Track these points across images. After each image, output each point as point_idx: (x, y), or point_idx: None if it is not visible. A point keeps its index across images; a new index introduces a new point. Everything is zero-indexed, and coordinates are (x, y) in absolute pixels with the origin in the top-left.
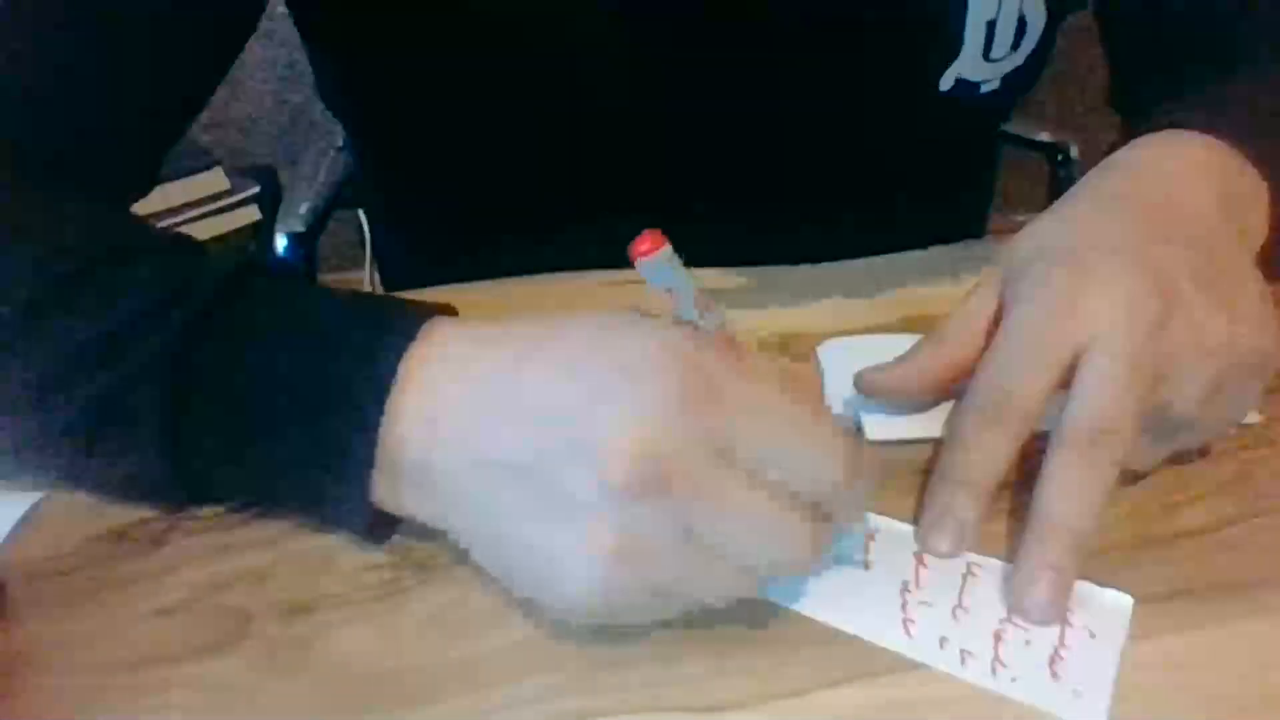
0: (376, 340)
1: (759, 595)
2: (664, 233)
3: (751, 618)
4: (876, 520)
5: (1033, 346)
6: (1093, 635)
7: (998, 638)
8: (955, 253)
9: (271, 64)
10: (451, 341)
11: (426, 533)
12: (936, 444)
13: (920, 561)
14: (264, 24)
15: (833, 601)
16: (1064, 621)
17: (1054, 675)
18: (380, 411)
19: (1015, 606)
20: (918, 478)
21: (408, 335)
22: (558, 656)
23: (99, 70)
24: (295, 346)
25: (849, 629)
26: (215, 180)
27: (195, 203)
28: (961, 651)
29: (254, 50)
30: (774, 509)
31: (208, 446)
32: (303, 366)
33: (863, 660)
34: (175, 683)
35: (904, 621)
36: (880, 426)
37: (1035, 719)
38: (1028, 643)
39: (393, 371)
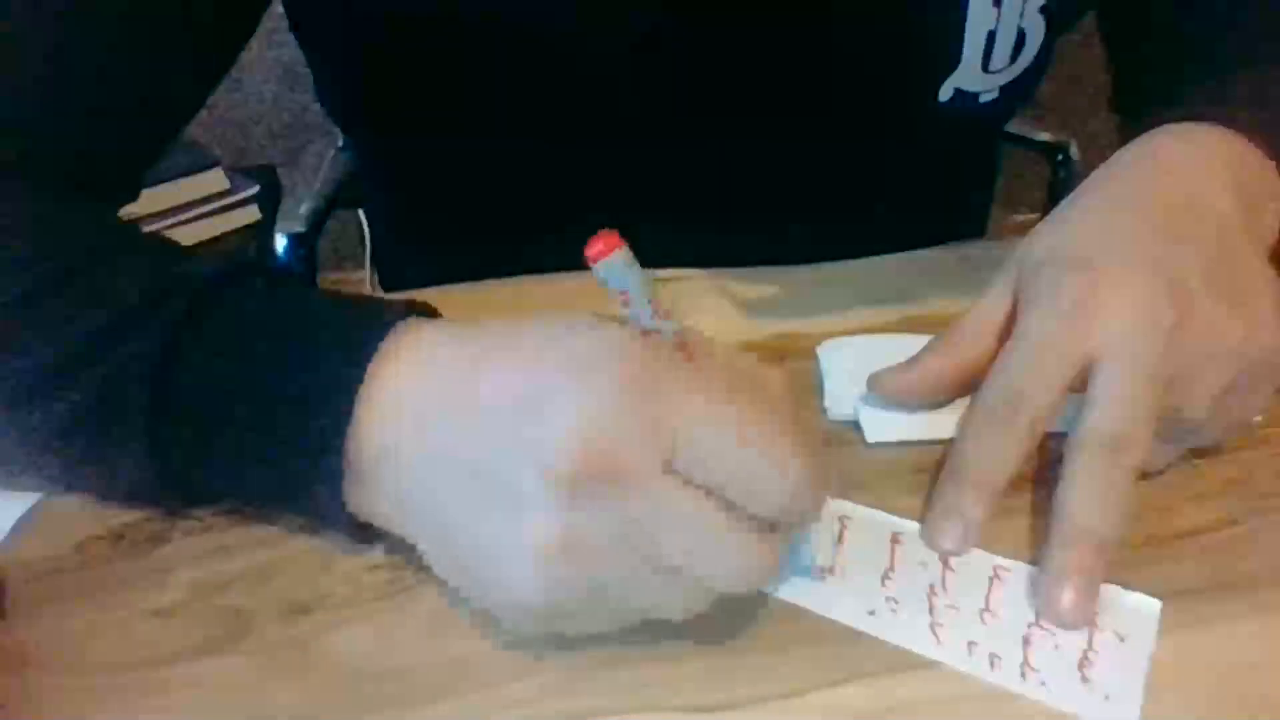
0: (347, 344)
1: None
2: (623, 233)
3: (750, 618)
4: (899, 523)
5: (1046, 350)
6: (1121, 639)
7: (1026, 642)
8: (955, 253)
9: (271, 64)
10: (420, 342)
11: None
12: (937, 444)
13: (946, 565)
14: (264, 24)
15: (860, 605)
16: (1092, 625)
17: (1084, 679)
18: (349, 414)
19: (1044, 611)
20: (918, 477)
21: (378, 337)
22: (556, 656)
23: (92, 71)
24: (270, 351)
25: (875, 632)
26: (215, 180)
27: (195, 203)
28: (990, 656)
29: (254, 50)
30: (721, 522)
31: (189, 450)
32: (277, 370)
33: (862, 660)
34: (175, 683)
35: (931, 625)
36: (880, 427)
37: (1036, 719)
38: (1056, 647)
39: (361, 374)
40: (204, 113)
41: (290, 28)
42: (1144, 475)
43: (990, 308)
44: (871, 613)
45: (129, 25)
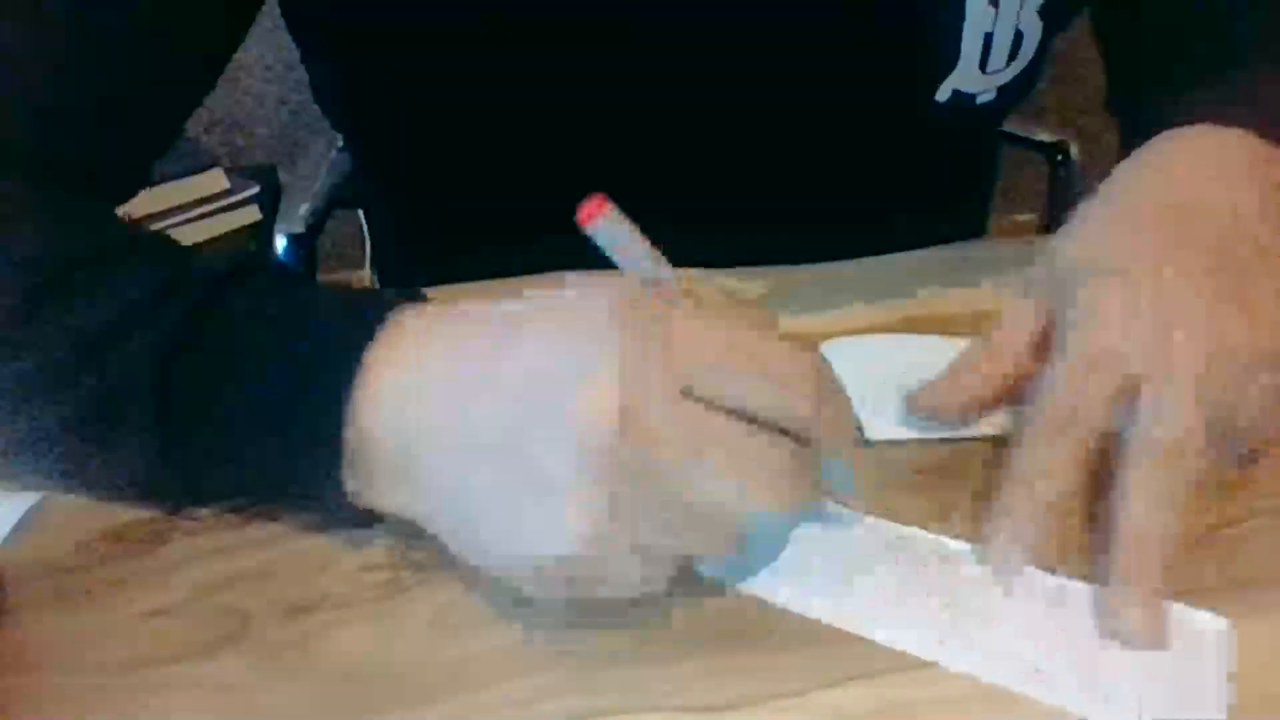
0: (343, 335)
1: (745, 558)
2: (623, 209)
3: (750, 618)
4: (955, 545)
5: (1094, 365)
6: (1191, 659)
7: (1094, 663)
8: (956, 253)
9: (271, 64)
10: (416, 327)
11: (426, 532)
12: (938, 443)
13: (1004, 588)
14: (264, 24)
15: (931, 636)
16: (1163, 645)
17: (1159, 701)
18: (344, 404)
19: (1113, 628)
20: (918, 477)
21: (374, 327)
22: (556, 656)
23: (92, 70)
24: (272, 346)
25: (946, 663)
26: (215, 180)
27: (195, 203)
28: (1059, 679)
29: (254, 50)
30: (748, 437)
31: (195, 444)
32: (278, 364)
33: (863, 660)
34: (175, 683)
35: (999, 652)
36: (882, 427)
37: (1038, 719)
38: (1125, 666)
39: (357, 363)
40: (204, 113)
41: (287, 28)
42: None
43: (1021, 319)
44: (940, 642)
45: (127, 22)
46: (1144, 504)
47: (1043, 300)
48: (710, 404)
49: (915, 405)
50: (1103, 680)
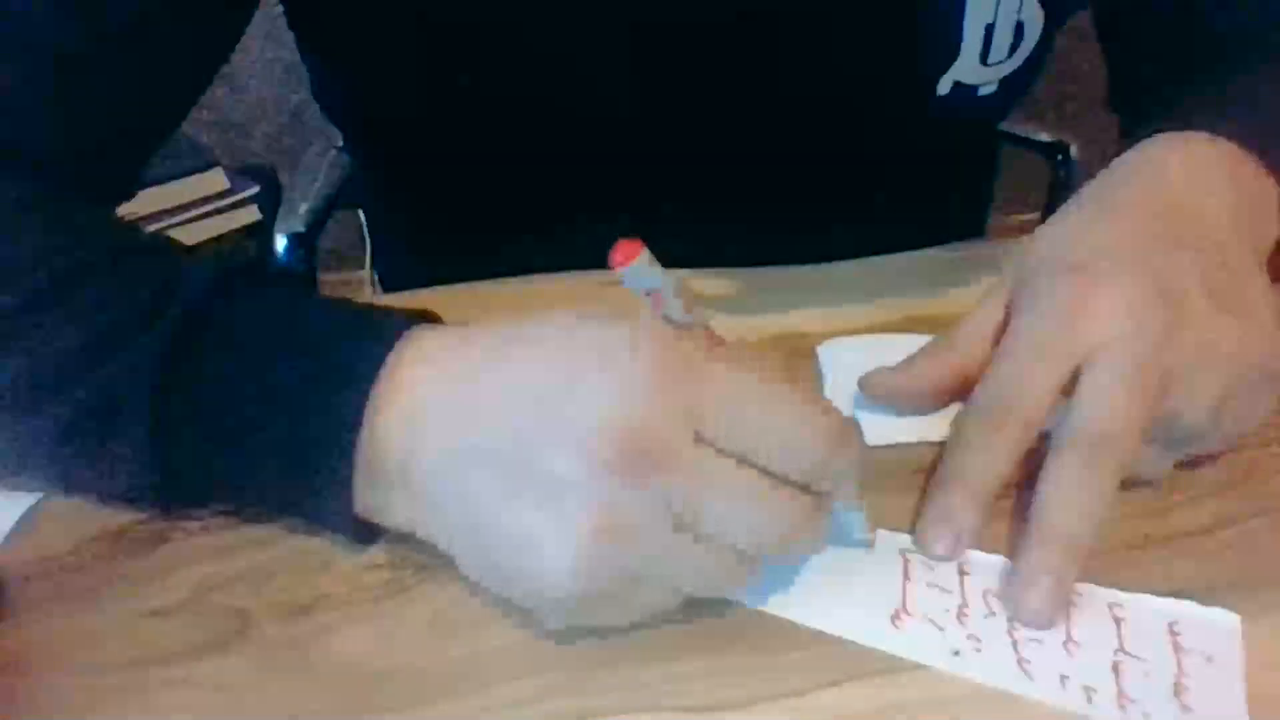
0: (356, 348)
1: (747, 587)
2: (621, 235)
3: (750, 618)
4: (971, 555)
5: (1037, 354)
6: (1209, 659)
7: (1116, 670)
8: (955, 253)
9: (271, 64)
10: (430, 345)
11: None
12: (936, 446)
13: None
14: (265, 24)
15: (944, 646)
16: (1177, 648)
17: (1184, 707)
18: (359, 419)
19: (1012, 611)
20: (917, 478)
21: (387, 342)
22: (557, 656)
23: (92, 70)
24: (276, 355)
25: (965, 672)
26: (215, 180)
27: (195, 203)
28: (1085, 688)
29: (254, 50)
30: (757, 486)
31: (193, 452)
32: (283, 375)
33: (862, 660)
34: (175, 683)
35: (1019, 661)
36: (879, 429)
37: (1037, 719)
38: (1146, 674)
39: (371, 379)
40: (204, 113)
41: (289, 26)
42: (1143, 482)
43: (986, 313)
44: (956, 653)
45: (127, 22)
46: (1057, 496)
47: (1008, 296)
48: (723, 446)
49: (866, 387)
50: (1106, 682)
